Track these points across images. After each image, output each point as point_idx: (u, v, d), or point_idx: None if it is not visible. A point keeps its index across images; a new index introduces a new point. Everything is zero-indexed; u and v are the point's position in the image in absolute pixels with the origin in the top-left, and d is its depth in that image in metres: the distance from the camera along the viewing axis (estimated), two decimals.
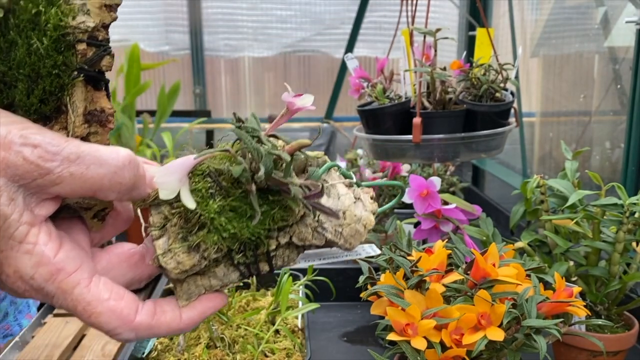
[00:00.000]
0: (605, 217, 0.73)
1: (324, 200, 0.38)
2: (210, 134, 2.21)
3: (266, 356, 0.72)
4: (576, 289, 0.56)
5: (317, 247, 0.39)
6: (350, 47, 2.14)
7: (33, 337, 0.97)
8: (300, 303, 0.82)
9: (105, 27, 0.33)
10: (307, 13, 2.42)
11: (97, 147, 0.32)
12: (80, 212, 0.36)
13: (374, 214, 0.40)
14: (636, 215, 0.70)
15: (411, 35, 0.95)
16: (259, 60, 2.51)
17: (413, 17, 0.95)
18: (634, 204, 0.68)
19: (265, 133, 0.38)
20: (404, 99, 0.93)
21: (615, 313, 0.75)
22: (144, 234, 0.37)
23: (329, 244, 0.39)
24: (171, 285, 0.68)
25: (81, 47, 0.32)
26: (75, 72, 0.32)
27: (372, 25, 2.40)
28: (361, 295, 0.61)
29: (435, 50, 0.91)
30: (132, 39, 2.23)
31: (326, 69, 2.54)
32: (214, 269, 0.37)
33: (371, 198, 0.42)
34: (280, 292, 0.76)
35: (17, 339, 0.95)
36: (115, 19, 0.33)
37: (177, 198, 0.35)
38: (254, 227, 0.36)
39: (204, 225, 0.35)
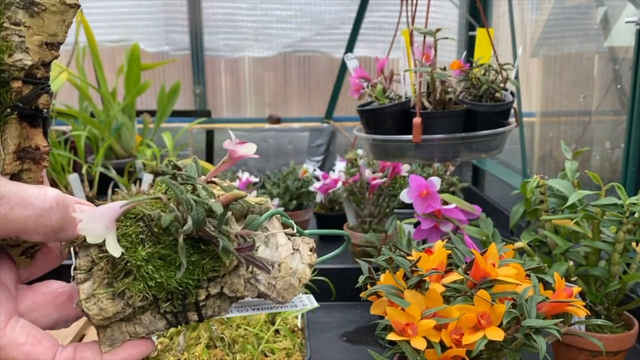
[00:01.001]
0: (605, 217, 0.73)
1: (261, 250, 0.38)
2: (210, 134, 2.21)
3: (266, 356, 0.72)
4: (576, 289, 0.56)
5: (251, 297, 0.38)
6: (350, 47, 2.14)
7: None
8: None
9: (45, 65, 0.32)
10: (307, 13, 2.42)
11: (24, 187, 0.31)
12: (7, 249, 0.35)
13: (311, 266, 0.40)
14: (636, 215, 0.70)
15: (411, 35, 0.95)
16: (259, 60, 2.51)
17: (413, 17, 0.95)
18: (634, 204, 0.68)
19: (204, 179, 0.38)
20: (404, 99, 0.93)
21: (615, 313, 0.75)
22: (72, 273, 0.36)
23: (261, 296, 0.38)
24: None
25: (16, 84, 0.31)
26: (9, 110, 0.31)
27: (372, 25, 2.40)
28: (361, 295, 0.61)
29: (435, 50, 0.91)
30: (132, 39, 2.24)
31: (326, 69, 2.54)
32: (140, 316, 0.36)
33: (310, 250, 0.41)
34: None
35: None
36: (56, 57, 0.32)
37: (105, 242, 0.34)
38: (182, 277, 0.35)
39: (130, 272, 0.34)
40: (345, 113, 2.51)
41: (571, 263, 0.75)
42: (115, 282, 0.34)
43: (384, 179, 1.18)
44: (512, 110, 0.93)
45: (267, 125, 2.42)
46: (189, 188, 0.36)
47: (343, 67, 2.17)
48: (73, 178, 1.41)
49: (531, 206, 0.82)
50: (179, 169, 0.37)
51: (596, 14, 1.40)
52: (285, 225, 0.42)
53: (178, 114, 2.26)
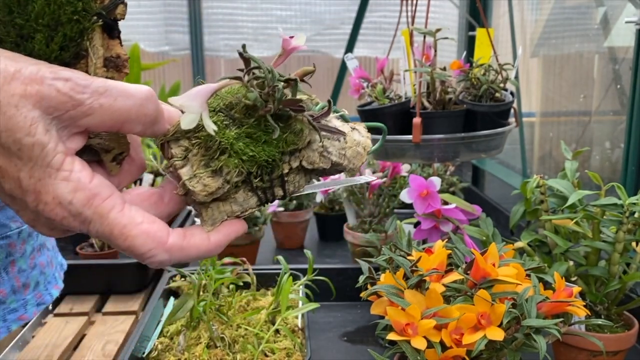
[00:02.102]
0: (605, 217, 0.73)
1: (326, 123, 0.42)
2: None
3: (266, 356, 0.72)
4: (576, 288, 0.56)
5: (324, 170, 0.42)
6: (350, 47, 2.14)
7: (33, 337, 0.97)
8: (300, 303, 0.82)
9: None
10: (307, 13, 2.42)
11: (121, 82, 0.34)
12: (101, 154, 0.38)
13: (369, 139, 0.44)
14: (636, 215, 0.70)
15: (411, 35, 0.95)
16: None
17: (413, 18, 0.95)
18: (634, 204, 0.68)
19: None
20: (404, 99, 0.93)
21: (615, 313, 0.76)
22: (163, 172, 0.39)
23: (334, 166, 0.42)
24: (172, 285, 0.69)
25: None
26: (95, 17, 0.34)
27: (372, 25, 2.40)
28: (361, 295, 0.61)
29: (435, 51, 0.91)
30: (132, 39, 2.24)
31: (326, 69, 2.54)
32: (235, 194, 0.39)
33: (364, 127, 0.45)
34: (280, 291, 0.76)
35: (17, 338, 0.95)
36: None
37: (195, 130, 0.37)
38: (269, 150, 0.39)
39: (225, 150, 0.38)
40: (345, 113, 2.51)
41: (571, 263, 0.75)
42: (212, 161, 0.38)
43: (384, 179, 1.18)
44: (512, 110, 0.93)
45: None
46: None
47: (343, 67, 2.17)
48: None
49: (531, 206, 0.82)
50: (247, 52, 0.40)
51: (596, 14, 1.40)
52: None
53: None
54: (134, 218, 0.35)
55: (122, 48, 0.36)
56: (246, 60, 0.40)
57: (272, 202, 0.41)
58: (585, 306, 0.56)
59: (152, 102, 0.35)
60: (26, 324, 1.00)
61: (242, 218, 0.41)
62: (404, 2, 1.05)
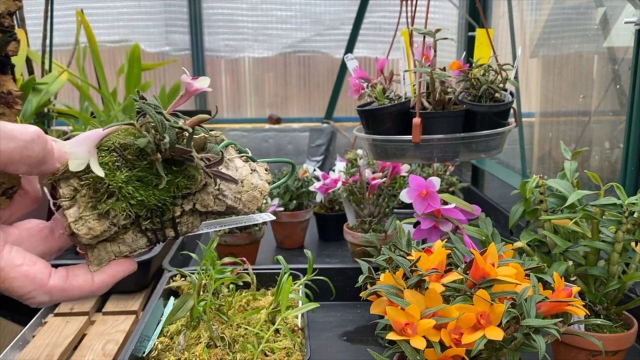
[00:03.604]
0: (604, 217, 0.73)
1: (223, 172, 0.42)
2: None
3: (266, 355, 0.72)
4: (575, 288, 0.56)
5: (219, 212, 0.43)
6: (350, 48, 2.14)
7: (34, 336, 0.97)
8: (300, 302, 0.82)
9: (11, 14, 0.34)
10: (307, 13, 2.42)
11: (5, 123, 0.33)
12: None
13: (268, 182, 0.45)
14: (635, 215, 0.70)
15: (411, 35, 0.95)
16: (259, 61, 2.51)
17: (413, 18, 0.95)
18: (633, 204, 0.68)
19: (168, 110, 0.41)
20: (403, 99, 0.93)
21: (614, 313, 0.76)
22: (53, 208, 0.39)
23: (229, 209, 0.43)
24: (172, 284, 0.70)
25: None
26: None
27: (372, 25, 2.40)
28: (361, 294, 0.61)
29: (435, 51, 0.91)
30: (132, 40, 2.24)
31: (326, 69, 2.54)
32: (123, 235, 0.39)
33: (265, 170, 0.46)
34: (280, 291, 0.76)
35: (17, 338, 0.95)
36: (20, 7, 0.35)
37: (85, 171, 0.37)
38: (159, 194, 0.39)
39: (113, 193, 0.38)
40: (345, 113, 2.51)
41: (570, 263, 0.75)
42: (99, 204, 0.38)
43: (384, 179, 1.18)
44: (512, 111, 0.93)
45: (267, 126, 2.42)
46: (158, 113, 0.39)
47: (343, 68, 2.17)
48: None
49: (530, 206, 0.82)
50: (145, 99, 0.40)
51: (595, 14, 1.40)
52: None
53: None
54: (13, 260, 0.35)
55: (14, 84, 0.36)
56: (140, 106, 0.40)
57: (163, 242, 0.41)
58: (584, 306, 0.56)
59: (37, 143, 0.34)
60: (25, 322, 1.01)
61: (130, 257, 0.41)
62: (404, 2, 1.05)
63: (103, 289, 0.39)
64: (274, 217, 0.53)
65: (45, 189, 0.39)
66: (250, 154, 0.46)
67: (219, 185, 0.41)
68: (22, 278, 0.35)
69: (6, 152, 0.33)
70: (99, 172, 0.36)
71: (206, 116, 0.41)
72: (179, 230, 0.41)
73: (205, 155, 0.41)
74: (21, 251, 0.36)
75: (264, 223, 1.22)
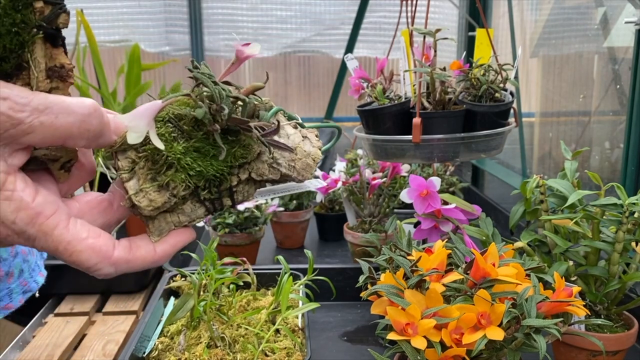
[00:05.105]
0: (604, 217, 0.73)
1: (276, 139, 0.42)
2: None
3: (266, 355, 0.72)
4: (575, 288, 0.56)
5: (273, 181, 0.43)
6: (350, 48, 2.14)
7: (34, 336, 0.97)
8: (300, 302, 0.82)
9: None
10: (307, 13, 2.42)
11: (63, 97, 0.33)
12: (48, 164, 0.38)
13: (319, 149, 0.45)
14: (635, 215, 0.70)
15: (411, 35, 0.95)
16: (259, 61, 2.51)
17: (413, 18, 0.95)
18: (634, 203, 0.68)
19: (218, 79, 0.41)
20: (403, 99, 0.93)
21: (615, 313, 0.76)
22: (110, 180, 0.39)
23: (283, 177, 0.43)
24: (172, 284, 0.71)
25: (38, 5, 0.33)
26: (35, 29, 0.33)
27: (372, 25, 2.40)
28: (361, 294, 0.61)
29: (435, 51, 0.91)
30: (132, 40, 2.23)
31: (326, 69, 2.54)
32: (182, 206, 0.40)
33: (316, 136, 0.46)
34: (280, 291, 0.76)
35: (17, 338, 0.95)
36: None
37: (143, 143, 0.37)
38: (217, 165, 0.39)
39: (172, 165, 0.38)
40: (345, 113, 2.51)
41: (571, 263, 0.75)
42: (159, 175, 0.38)
43: (384, 179, 1.18)
44: (512, 111, 0.93)
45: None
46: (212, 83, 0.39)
47: (343, 68, 2.17)
48: None
49: (531, 206, 0.82)
50: (198, 67, 0.40)
51: (596, 14, 1.40)
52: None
53: None
54: (78, 233, 0.35)
55: (66, 57, 0.36)
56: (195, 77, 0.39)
57: (220, 210, 0.42)
58: (585, 306, 0.56)
59: (95, 117, 0.34)
60: (25, 323, 1.00)
61: (189, 226, 0.41)
62: (404, 2, 1.05)
63: (165, 259, 0.40)
64: (324, 183, 0.53)
65: (101, 162, 0.40)
66: (300, 120, 0.45)
67: (273, 153, 0.41)
68: (88, 251, 0.35)
69: (65, 126, 0.33)
70: (159, 144, 0.36)
71: (261, 84, 0.41)
72: (236, 198, 0.41)
73: (259, 124, 0.40)
74: (85, 224, 0.36)
75: (264, 223, 1.22)
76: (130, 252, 0.38)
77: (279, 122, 0.41)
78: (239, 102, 0.40)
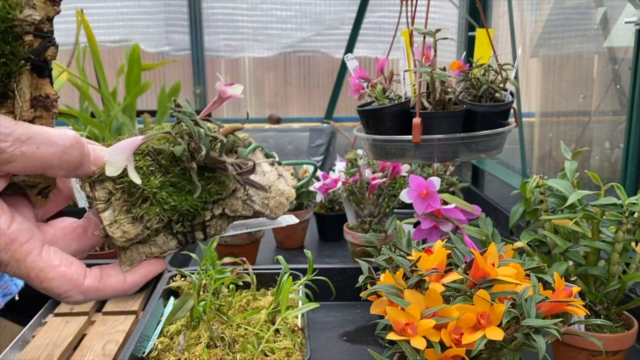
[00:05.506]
0: (604, 217, 0.73)
1: (252, 177, 0.43)
2: None
3: (266, 355, 0.72)
4: (575, 288, 0.56)
5: (246, 217, 0.44)
6: (350, 48, 2.14)
7: (33, 336, 0.97)
8: (300, 302, 0.82)
9: (50, 19, 0.35)
10: (307, 13, 2.42)
11: (46, 128, 0.34)
12: (26, 190, 0.38)
13: (294, 188, 0.46)
14: (635, 215, 0.70)
15: (411, 35, 0.95)
16: (259, 61, 2.51)
17: (413, 18, 0.95)
18: (633, 204, 0.68)
19: (199, 117, 0.42)
20: (403, 99, 0.93)
21: (615, 313, 0.76)
22: (87, 208, 0.40)
23: (256, 214, 0.44)
24: (172, 284, 0.71)
25: (28, 38, 0.33)
26: (23, 61, 0.34)
27: (372, 25, 2.40)
28: (361, 294, 0.61)
29: (435, 51, 0.91)
30: (132, 40, 2.24)
31: (326, 69, 2.54)
32: (155, 237, 0.40)
33: (292, 174, 0.47)
34: (280, 291, 0.76)
35: (17, 338, 0.95)
36: (58, 12, 0.35)
37: (121, 175, 0.38)
38: (192, 200, 0.40)
39: (147, 198, 0.39)
40: (345, 113, 2.51)
41: (571, 263, 0.75)
42: (134, 208, 0.39)
43: (384, 179, 1.18)
44: (512, 111, 0.93)
45: (267, 125, 2.42)
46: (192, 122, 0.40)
47: (343, 67, 2.17)
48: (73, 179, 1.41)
49: (531, 206, 0.82)
50: (180, 106, 0.41)
51: (596, 14, 1.40)
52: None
53: None
54: (51, 261, 0.36)
55: (52, 87, 0.36)
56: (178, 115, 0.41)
57: (192, 243, 0.43)
58: (584, 306, 0.56)
59: (75, 148, 0.35)
60: (25, 323, 1.00)
61: (160, 257, 0.42)
62: (404, 2, 1.05)
63: (134, 288, 0.41)
64: (297, 220, 0.53)
65: (79, 189, 0.40)
66: (277, 159, 0.47)
67: (248, 191, 0.42)
68: (60, 278, 0.36)
69: (46, 156, 0.33)
70: (137, 179, 0.37)
71: (240, 125, 0.43)
72: (208, 232, 0.42)
73: (235, 161, 0.41)
74: (58, 252, 0.37)
75: None
76: (101, 281, 0.39)
77: (254, 162, 0.42)
78: (218, 141, 0.41)
